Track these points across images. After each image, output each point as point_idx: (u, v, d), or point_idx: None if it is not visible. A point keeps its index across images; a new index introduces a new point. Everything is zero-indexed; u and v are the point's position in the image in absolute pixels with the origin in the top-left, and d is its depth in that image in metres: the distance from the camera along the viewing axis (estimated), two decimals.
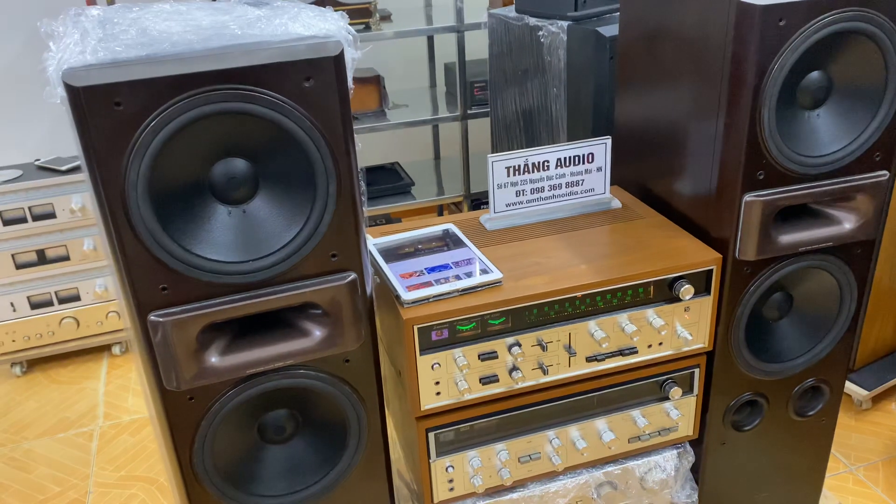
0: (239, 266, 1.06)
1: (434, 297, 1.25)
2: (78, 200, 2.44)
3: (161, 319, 1.05)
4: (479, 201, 3.03)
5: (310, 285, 1.10)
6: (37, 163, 2.54)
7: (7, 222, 2.41)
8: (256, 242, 1.06)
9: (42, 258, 2.49)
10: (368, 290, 1.18)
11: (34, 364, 2.67)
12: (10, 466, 2.19)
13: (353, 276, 1.13)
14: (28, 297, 2.52)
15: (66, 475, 2.15)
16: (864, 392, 2.17)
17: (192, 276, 1.04)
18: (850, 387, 2.19)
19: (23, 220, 2.42)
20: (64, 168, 2.46)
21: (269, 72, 0.98)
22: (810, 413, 1.58)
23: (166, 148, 0.97)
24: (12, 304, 2.51)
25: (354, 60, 1.09)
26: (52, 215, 2.44)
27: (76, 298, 2.57)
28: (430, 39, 3.26)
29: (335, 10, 1.12)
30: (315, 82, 1.01)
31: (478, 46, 2.88)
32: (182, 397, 1.12)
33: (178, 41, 1.00)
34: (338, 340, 1.15)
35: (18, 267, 2.48)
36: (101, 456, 2.22)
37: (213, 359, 1.10)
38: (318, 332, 1.14)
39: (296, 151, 1.03)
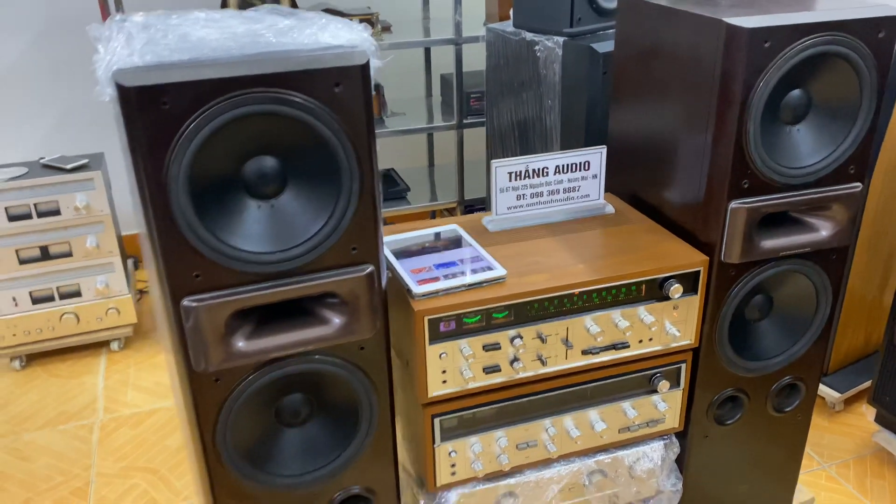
0: (267, 256, 1.14)
1: (443, 290, 1.34)
2: (83, 199, 2.49)
3: (194, 304, 1.12)
4: (471, 208, 3.12)
5: (331, 276, 1.18)
6: (41, 161, 2.59)
7: (12, 218, 2.45)
8: (283, 235, 1.14)
9: (45, 254, 2.54)
10: (384, 282, 1.27)
11: (33, 359, 2.71)
12: (12, 456, 2.24)
13: (370, 268, 1.21)
14: (30, 293, 2.57)
15: (67, 465, 2.20)
16: (836, 394, 2.29)
17: (224, 264, 1.11)
18: (823, 389, 2.30)
19: (28, 217, 2.47)
20: (69, 167, 2.51)
21: (302, 77, 1.07)
22: (787, 409, 1.69)
23: (206, 145, 1.05)
24: (14, 299, 2.55)
25: (376, 69, 1.18)
26: (56, 212, 2.49)
27: (77, 294, 2.62)
28: (427, 51, 3.36)
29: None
30: (343, 88, 1.09)
31: (473, 58, 2.97)
32: (208, 379, 1.20)
33: (218, 47, 1.08)
34: (354, 329, 1.23)
35: (22, 262, 2.52)
36: (102, 447, 2.28)
37: (240, 343, 1.18)
38: (336, 321, 1.22)
39: (323, 152, 1.12)
